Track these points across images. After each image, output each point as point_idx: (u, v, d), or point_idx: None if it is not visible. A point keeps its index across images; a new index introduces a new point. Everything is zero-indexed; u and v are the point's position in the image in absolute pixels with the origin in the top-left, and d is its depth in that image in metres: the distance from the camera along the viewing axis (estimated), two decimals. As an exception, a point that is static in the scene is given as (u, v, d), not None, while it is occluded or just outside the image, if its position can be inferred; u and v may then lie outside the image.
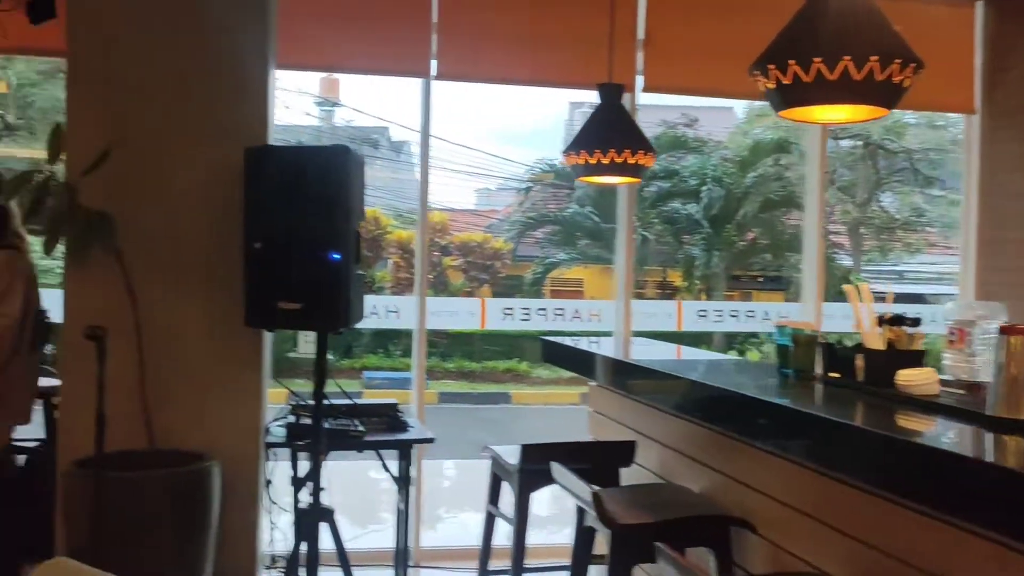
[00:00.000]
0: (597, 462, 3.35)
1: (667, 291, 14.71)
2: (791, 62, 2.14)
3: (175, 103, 3.30)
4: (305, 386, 3.66)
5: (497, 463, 3.69)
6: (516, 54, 4.55)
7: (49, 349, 3.50)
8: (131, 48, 3.29)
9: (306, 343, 11.71)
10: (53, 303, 3.45)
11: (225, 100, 3.33)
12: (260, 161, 3.09)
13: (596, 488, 2.68)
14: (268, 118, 3.40)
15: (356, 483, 6.57)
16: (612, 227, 14.21)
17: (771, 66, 2.18)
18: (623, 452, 3.44)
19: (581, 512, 2.90)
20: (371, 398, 4.04)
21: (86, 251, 3.08)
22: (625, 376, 3.60)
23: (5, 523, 3.28)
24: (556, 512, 5.04)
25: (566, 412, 11.23)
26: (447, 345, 13.07)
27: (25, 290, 3.21)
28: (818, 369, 2.71)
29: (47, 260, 3.41)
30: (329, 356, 3.24)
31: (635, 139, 3.72)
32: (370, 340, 12.76)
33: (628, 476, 3.42)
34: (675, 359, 3.95)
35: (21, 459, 3.57)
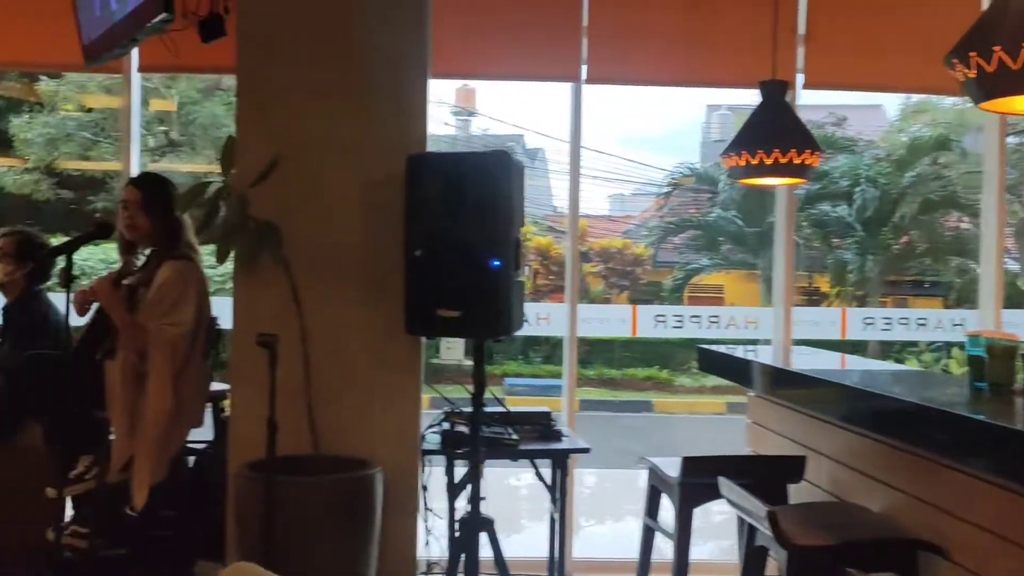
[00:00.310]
0: (763, 477, 3.21)
1: (814, 297, 14.16)
2: (996, 48, 1.97)
3: (337, 114, 3.35)
4: (452, 392, 3.72)
5: (656, 475, 3.59)
6: (669, 54, 4.44)
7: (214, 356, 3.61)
8: (295, 62, 3.36)
9: (448, 349, 11.88)
10: (220, 311, 3.58)
11: (385, 110, 3.35)
12: (421, 168, 3.10)
13: (770, 506, 2.55)
14: (425, 127, 3.40)
15: (495, 490, 6.57)
16: (756, 231, 13.77)
17: (972, 53, 2.02)
18: (792, 467, 3.28)
19: (752, 531, 2.77)
20: (513, 405, 3.97)
21: (255, 260, 3.16)
22: (790, 386, 3.44)
23: (179, 521, 3.41)
24: (698, 525, 4.90)
25: (712, 422, 10.95)
26: (587, 352, 13.00)
27: (198, 299, 3.34)
28: (1019, 382, 2.49)
29: (208, 269, 3.52)
30: (470, 362, 3.23)
31: (801, 138, 3.56)
32: (509, 346, 12.82)
33: (796, 493, 3.26)
34: (840, 368, 3.75)
35: (189, 459, 3.68)
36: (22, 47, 4.40)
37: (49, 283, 4.01)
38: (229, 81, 12.49)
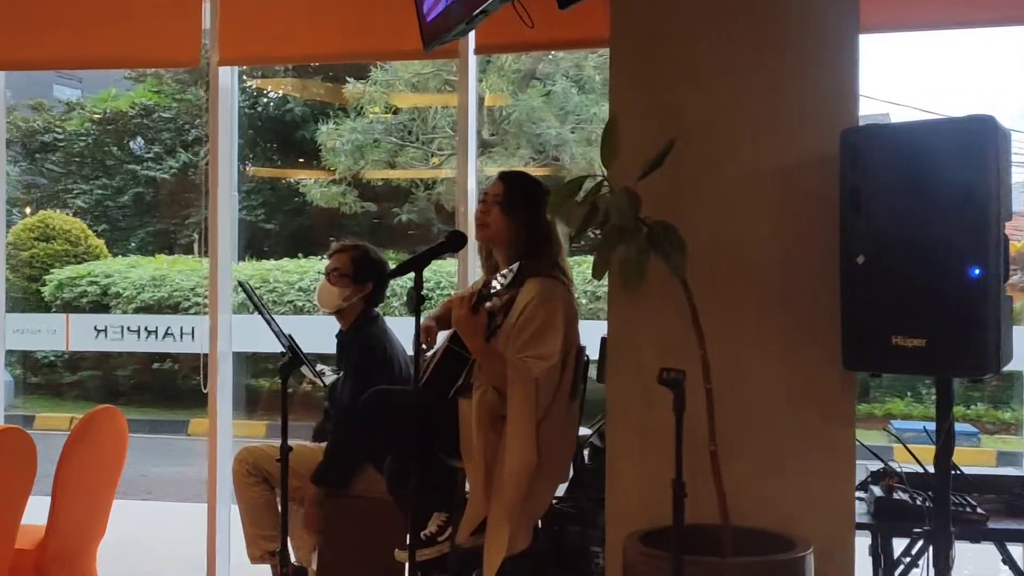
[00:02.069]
0: None
1: None
2: None
3: (738, 84, 3.11)
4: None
5: None
6: None
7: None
8: (685, 26, 3.16)
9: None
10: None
11: (807, 75, 3.06)
12: (863, 146, 2.76)
13: None
14: (857, 95, 3.06)
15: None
16: None
17: None
18: None
19: None
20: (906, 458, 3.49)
21: (641, 273, 2.89)
22: None
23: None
24: None
25: None
26: (998, 389, 11.72)
27: (566, 326, 3.24)
28: None
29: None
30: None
31: None
32: (894, 379, 11.81)
33: None
34: None
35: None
36: (350, 36, 4.58)
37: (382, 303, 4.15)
38: (546, 68, 12.71)
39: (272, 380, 11.04)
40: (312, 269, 11.08)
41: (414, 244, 12.28)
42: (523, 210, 3.35)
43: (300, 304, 10.72)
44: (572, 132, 11.29)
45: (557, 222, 3.27)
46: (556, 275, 3.32)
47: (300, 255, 12.17)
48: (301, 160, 14.56)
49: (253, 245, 13.77)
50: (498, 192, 3.41)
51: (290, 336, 3.54)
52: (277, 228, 14.39)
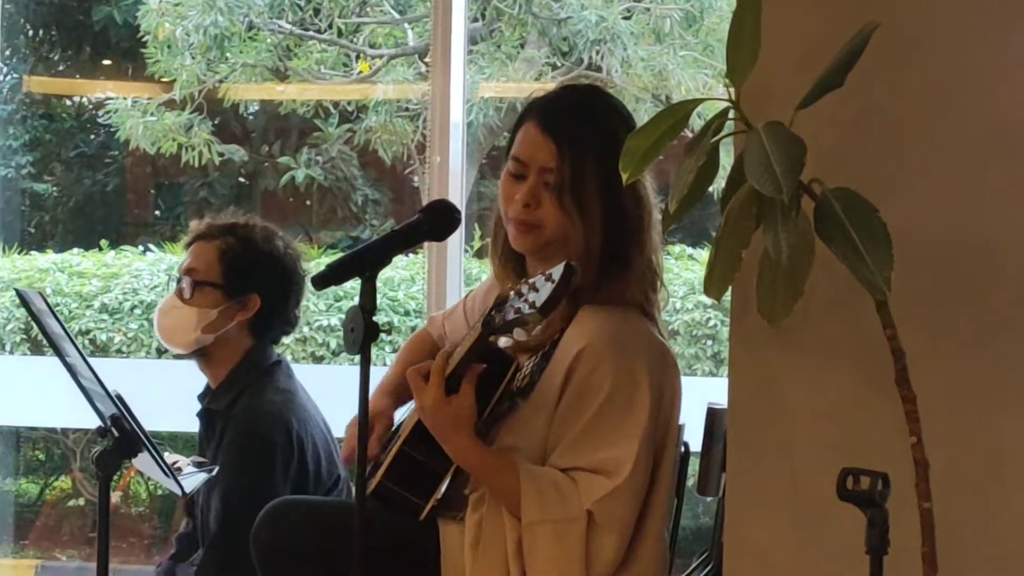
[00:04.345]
0: None
1: None
2: None
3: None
4: None
5: None
6: None
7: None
8: None
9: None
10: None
11: None
12: None
13: None
14: None
15: None
16: None
17: None
18: None
19: None
20: None
21: (799, 285, 2.29)
22: None
23: None
24: None
25: None
26: None
27: (655, 406, 2.64)
28: None
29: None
30: None
31: None
32: None
33: None
34: None
35: None
36: None
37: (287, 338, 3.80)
38: None
39: (50, 481, 9.43)
40: (126, 270, 9.06)
41: (318, 226, 10.41)
42: (606, 187, 2.69)
43: (107, 339, 8.90)
44: (627, 17, 9.26)
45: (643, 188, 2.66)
46: (635, 300, 2.71)
47: (103, 243, 10.25)
48: (106, 63, 12.58)
49: (14, 225, 12.07)
50: (549, 160, 2.67)
51: (118, 397, 2.84)
52: (58, 192, 12.61)
